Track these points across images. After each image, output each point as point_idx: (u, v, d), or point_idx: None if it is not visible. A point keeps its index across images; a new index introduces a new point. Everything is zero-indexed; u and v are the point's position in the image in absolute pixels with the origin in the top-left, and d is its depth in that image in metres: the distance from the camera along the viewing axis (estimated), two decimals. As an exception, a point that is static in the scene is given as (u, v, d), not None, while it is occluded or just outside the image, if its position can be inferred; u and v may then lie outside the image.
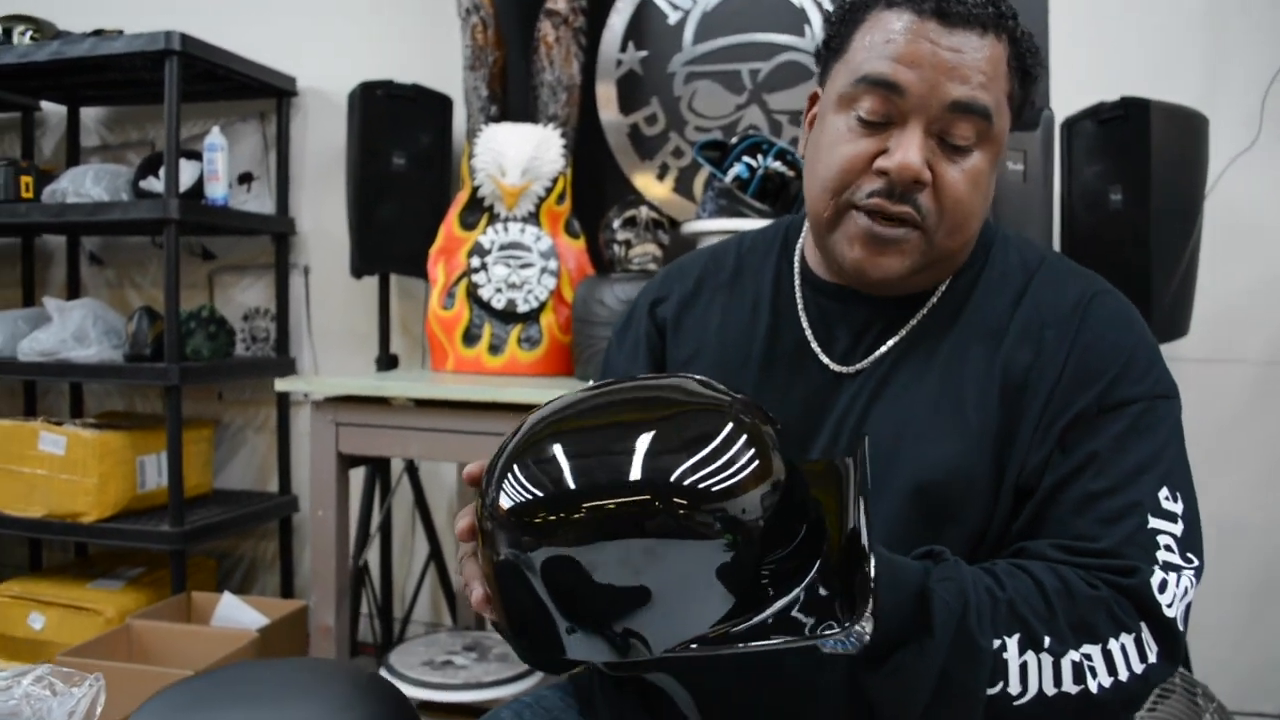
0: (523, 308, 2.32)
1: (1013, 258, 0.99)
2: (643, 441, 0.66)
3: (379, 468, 2.62)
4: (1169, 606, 0.80)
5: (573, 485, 0.65)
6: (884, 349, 0.97)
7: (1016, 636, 0.78)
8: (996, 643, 0.77)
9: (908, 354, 0.96)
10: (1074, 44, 2.21)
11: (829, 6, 2.32)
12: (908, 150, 0.87)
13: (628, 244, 2.28)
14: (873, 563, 0.65)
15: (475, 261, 2.34)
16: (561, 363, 2.32)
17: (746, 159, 2.17)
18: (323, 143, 2.86)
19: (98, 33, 2.51)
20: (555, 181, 2.35)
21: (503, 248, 2.34)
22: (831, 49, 0.96)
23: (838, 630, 0.65)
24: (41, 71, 2.61)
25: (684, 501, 0.64)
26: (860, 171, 0.90)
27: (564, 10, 2.40)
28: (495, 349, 2.32)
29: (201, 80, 2.65)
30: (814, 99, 1.01)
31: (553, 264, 2.33)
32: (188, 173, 2.54)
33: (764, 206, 2.07)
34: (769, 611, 0.67)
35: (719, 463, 0.66)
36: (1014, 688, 0.77)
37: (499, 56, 2.45)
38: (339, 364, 2.89)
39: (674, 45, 2.58)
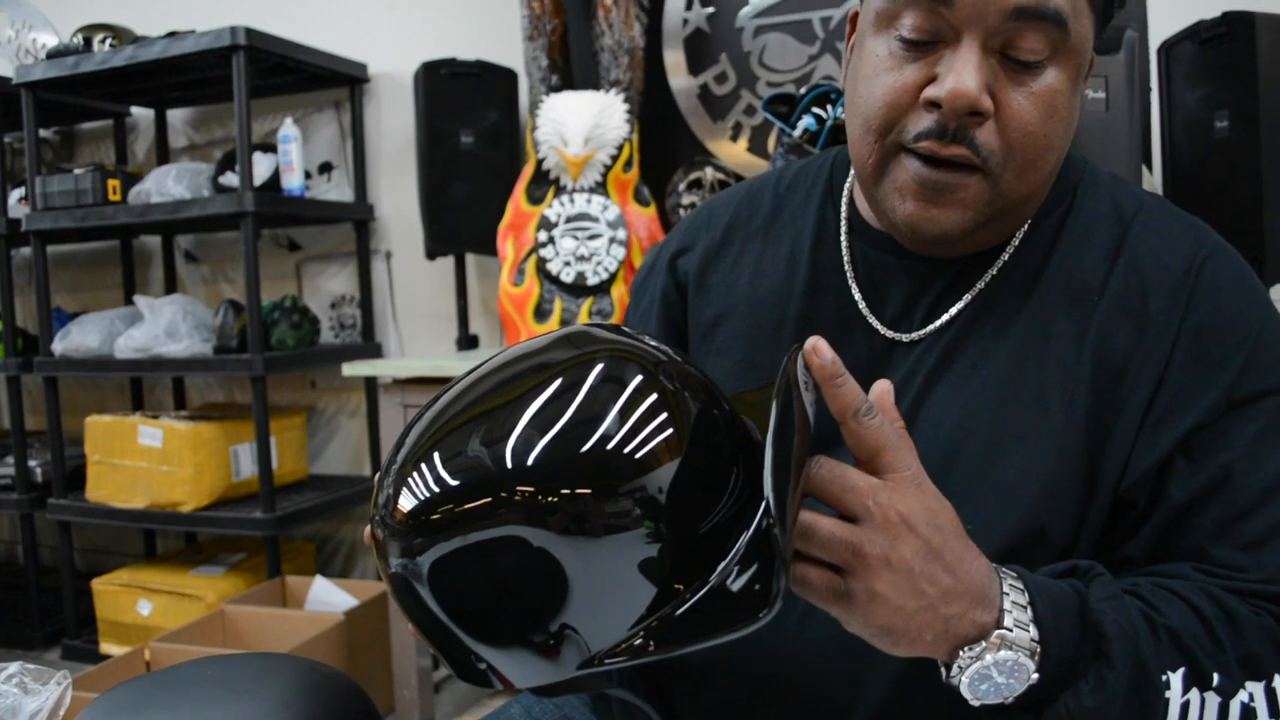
0: (592, 280, 2.27)
1: (1103, 202, 0.82)
2: (533, 421, 0.55)
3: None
4: None
5: (456, 484, 0.55)
6: (947, 316, 0.80)
7: (1181, 672, 0.65)
8: (1162, 677, 0.65)
9: (976, 323, 0.80)
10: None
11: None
12: (961, 73, 0.70)
13: (694, 207, 2.20)
14: (771, 513, 0.53)
15: (543, 236, 2.30)
16: (634, 335, 2.27)
17: (815, 110, 2.06)
18: (396, 127, 2.87)
19: (171, 34, 2.56)
20: (621, 148, 2.29)
21: (569, 220, 2.29)
22: None
23: (747, 621, 0.54)
24: (124, 76, 2.68)
25: (588, 490, 0.54)
26: (907, 107, 0.73)
27: (621, -29, 2.33)
28: (566, 323, 2.28)
29: (274, 74, 2.69)
30: (854, 20, 0.83)
31: (621, 234, 2.27)
32: (263, 166, 2.58)
33: (832, 159, 1.96)
34: (692, 600, 0.55)
35: (621, 436, 0.55)
36: None
37: (557, 24, 2.39)
38: (424, 346, 2.91)
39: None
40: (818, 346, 0.60)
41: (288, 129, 2.58)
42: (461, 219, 2.51)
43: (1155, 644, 0.65)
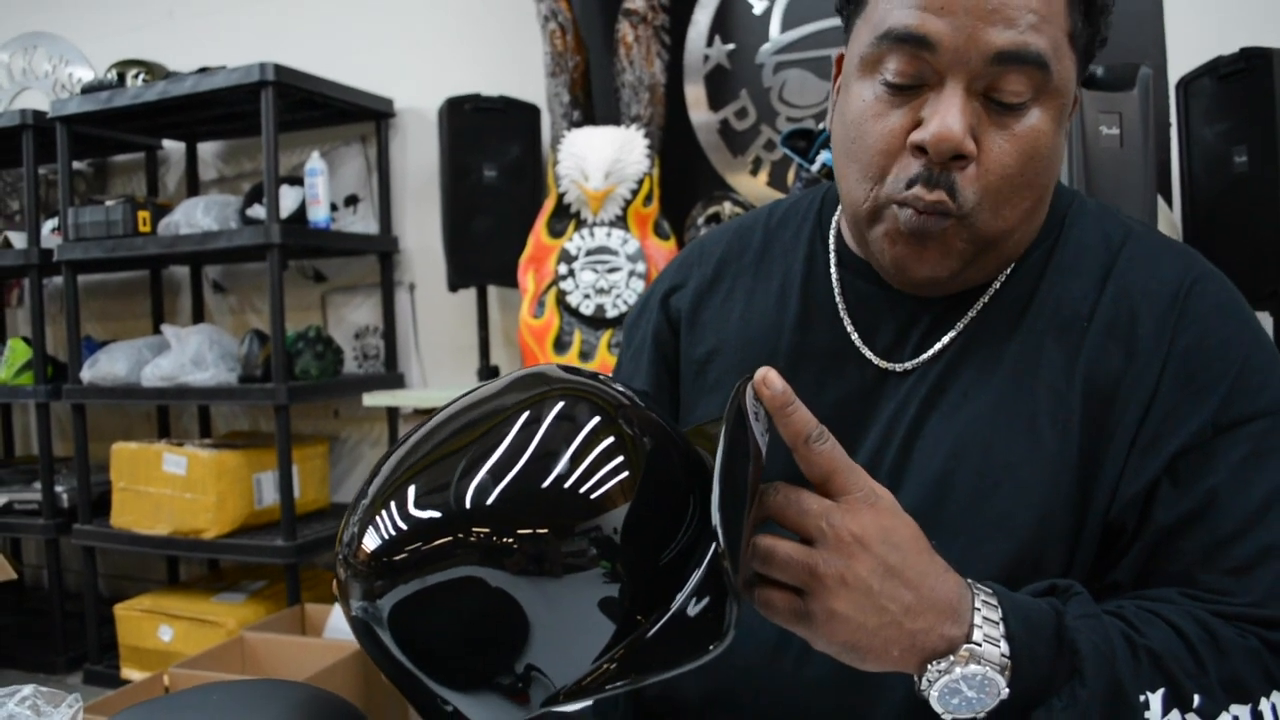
0: (611, 312, 2.29)
1: (1091, 232, 0.82)
2: (488, 463, 0.56)
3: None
4: None
5: (414, 527, 0.55)
6: (938, 346, 0.81)
7: (1161, 693, 0.65)
8: (1140, 698, 0.64)
9: (967, 353, 0.80)
10: (1190, -3, 2.03)
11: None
12: (945, 116, 0.70)
13: (713, 242, 2.22)
14: (720, 544, 0.54)
15: (563, 269, 2.32)
16: (652, 367, 2.28)
17: (833, 146, 2.07)
18: (421, 161, 2.91)
19: (202, 70, 2.62)
20: (641, 183, 2.31)
21: (589, 253, 2.31)
22: (851, 2, 0.79)
23: (701, 651, 0.54)
24: (156, 111, 2.74)
25: (544, 530, 0.54)
26: (896, 152, 0.74)
27: (642, 9, 2.36)
28: (586, 355, 2.30)
29: (302, 108, 2.74)
30: (840, 62, 0.84)
31: (640, 267, 2.29)
32: (290, 198, 2.62)
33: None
34: (651, 632, 0.56)
35: (577, 476, 0.56)
36: None
37: (580, 61, 2.43)
38: (446, 377, 2.93)
39: (761, 36, 2.51)
40: (767, 377, 0.62)
41: (315, 162, 2.63)
42: (483, 252, 2.54)
43: (1134, 664, 0.65)
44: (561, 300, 2.32)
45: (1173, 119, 1.97)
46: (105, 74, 2.83)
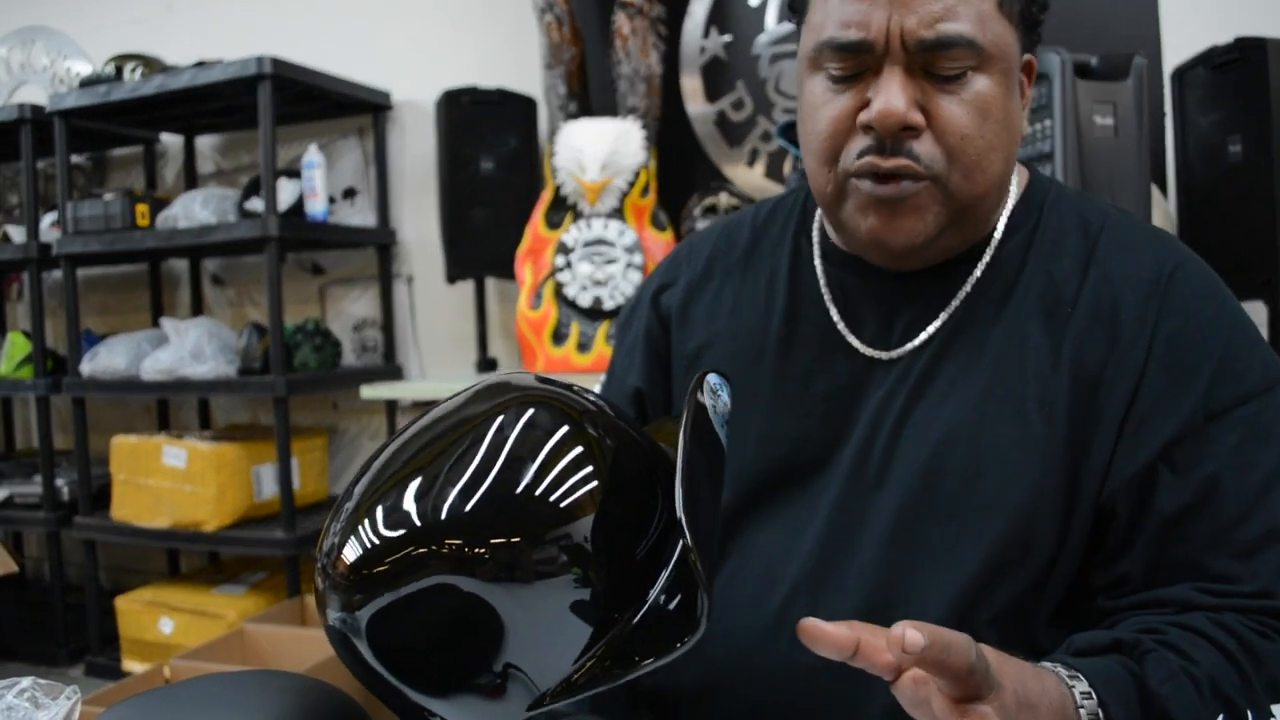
0: (609, 304, 2.30)
1: (1070, 216, 0.84)
2: (455, 475, 0.57)
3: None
4: None
5: (388, 540, 0.56)
6: (926, 334, 0.83)
7: (1220, 718, 0.68)
8: None
9: (954, 339, 0.82)
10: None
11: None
12: (888, 95, 0.74)
13: (710, 233, 2.23)
14: (686, 539, 0.55)
15: (560, 260, 2.33)
16: (649, 358, 2.28)
17: (829, 137, 2.08)
18: (418, 153, 2.91)
19: (200, 64, 2.62)
20: (637, 174, 2.32)
21: (586, 245, 2.32)
22: (795, 9, 0.84)
23: (678, 645, 0.55)
24: (154, 104, 2.75)
25: (518, 539, 0.55)
26: (846, 133, 0.77)
27: (638, 0, 2.36)
28: (583, 347, 2.31)
29: (300, 101, 2.74)
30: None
31: (637, 258, 2.30)
32: (288, 191, 2.62)
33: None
34: (630, 629, 0.57)
35: (547, 484, 0.57)
36: None
37: (576, 53, 2.43)
38: (444, 369, 2.94)
39: (757, 27, 2.51)
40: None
41: (312, 155, 2.63)
42: (481, 243, 2.55)
43: (1202, 703, 0.67)
44: (559, 292, 2.33)
45: (1167, 108, 1.97)
46: (103, 68, 2.83)
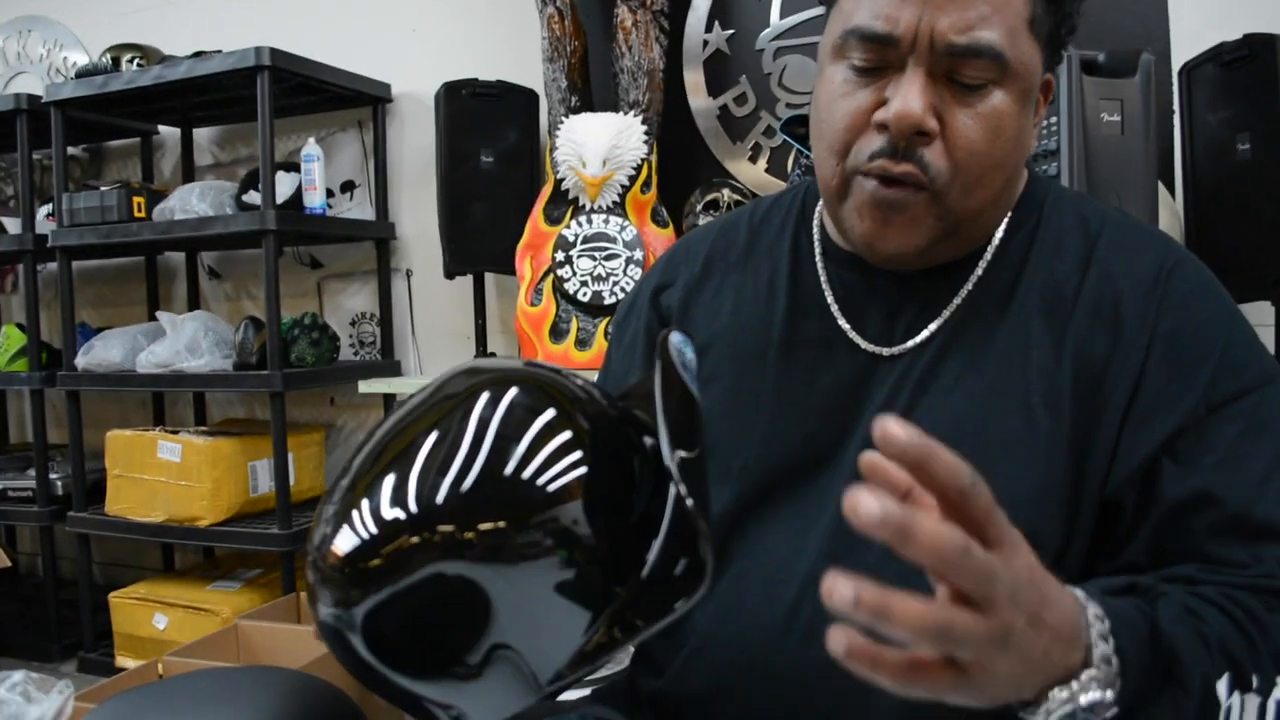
0: (609, 300, 2.28)
1: (1070, 215, 0.86)
2: (436, 462, 0.57)
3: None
4: None
5: (375, 534, 0.55)
6: (929, 330, 0.84)
7: (1226, 677, 0.66)
8: (1217, 688, 0.66)
9: (957, 337, 0.83)
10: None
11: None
12: (906, 97, 0.74)
13: (712, 229, 2.21)
14: (680, 488, 0.55)
15: (560, 256, 2.31)
16: (650, 355, 2.27)
17: (832, 132, 2.06)
18: (418, 146, 2.88)
19: (197, 55, 2.60)
20: (639, 169, 2.30)
21: (587, 240, 2.30)
22: None
23: (689, 596, 0.56)
24: (151, 95, 2.72)
25: (506, 523, 0.55)
26: (861, 129, 0.78)
27: (641, -7, 2.34)
28: (583, 343, 2.29)
29: (298, 93, 2.72)
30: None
31: (638, 254, 2.28)
32: (286, 184, 2.60)
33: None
34: (635, 593, 0.58)
35: (532, 468, 0.57)
36: None
37: (578, 46, 2.41)
38: (442, 364, 2.91)
39: (761, 21, 2.49)
40: (887, 429, 0.51)
41: (310, 148, 2.61)
42: (481, 238, 2.52)
43: (1210, 658, 0.66)
44: (559, 287, 2.31)
45: (1175, 106, 1.96)
46: (100, 58, 2.80)
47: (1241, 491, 0.74)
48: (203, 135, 3.21)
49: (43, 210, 3.01)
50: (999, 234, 0.85)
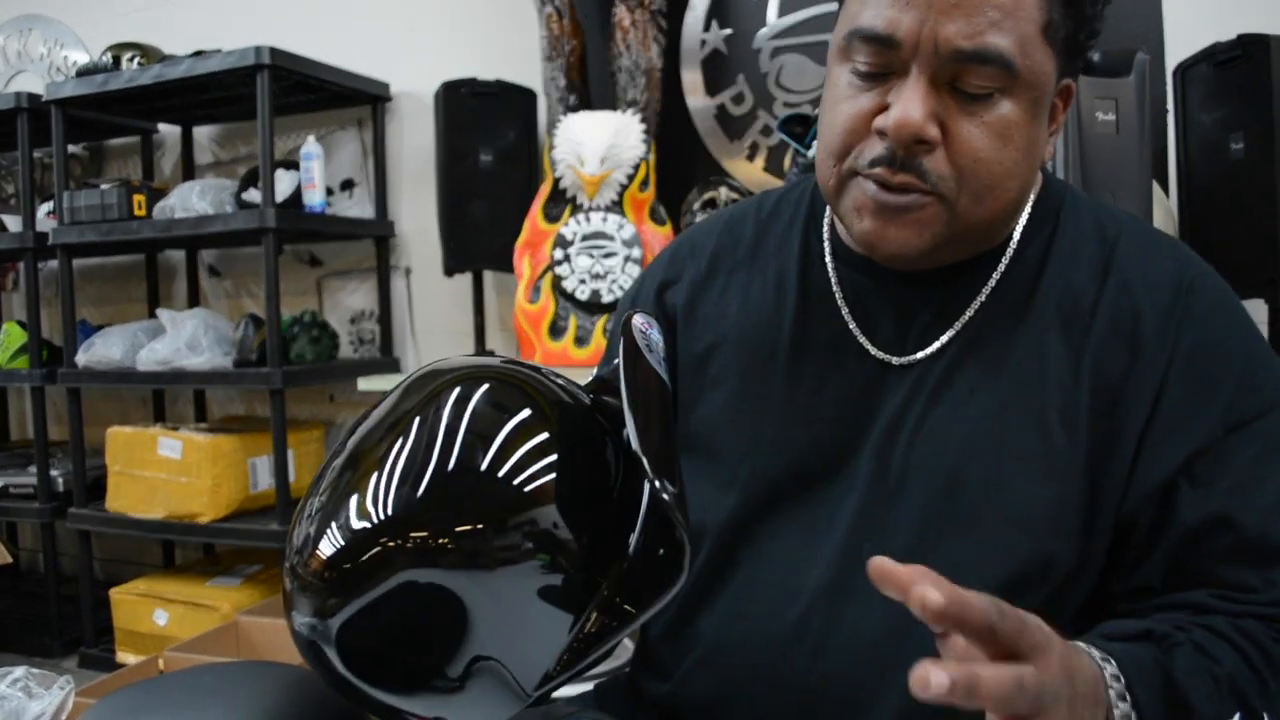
0: (607, 298, 2.29)
1: (1086, 223, 0.83)
2: (409, 468, 0.56)
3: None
4: None
5: (348, 544, 0.54)
6: (943, 339, 0.81)
7: (1236, 717, 0.69)
8: None
9: (973, 347, 0.80)
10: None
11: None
12: (907, 104, 0.72)
13: (709, 227, 2.22)
14: (649, 472, 0.55)
15: (558, 254, 2.32)
16: (648, 352, 2.28)
17: (829, 132, 2.07)
18: (417, 145, 2.89)
19: (198, 53, 2.61)
20: (637, 168, 2.31)
21: (585, 238, 2.31)
22: None
23: (670, 585, 0.56)
24: (151, 94, 2.73)
25: (482, 525, 0.54)
26: (862, 133, 0.75)
27: (639, -7, 2.35)
28: (581, 341, 2.30)
29: (298, 92, 2.73)
30: None
31: (636, 252, 2.29)
32: (286, 182, 2.61)
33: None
34: (617, 589, 0.57)
35: (510, 466, 0.57)
36: None
37: (576, 45, 2.42)
38: (441, 363, 2.92)
39: (758, 21, 2.50)
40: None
41: (310, 146, 2.62)
42: (479, 236, 2.53)
43: (1219, 699, 0.68)
44: (557, 285, 2.32)
45: (1169, 105, 1.97)
46: (100, 57, 2.81)
47: (1257, 515, 0.73)
48: (203, 134, 3.22)
49: (43, 208, 3.02)
50: (1015, 239, 0.83)
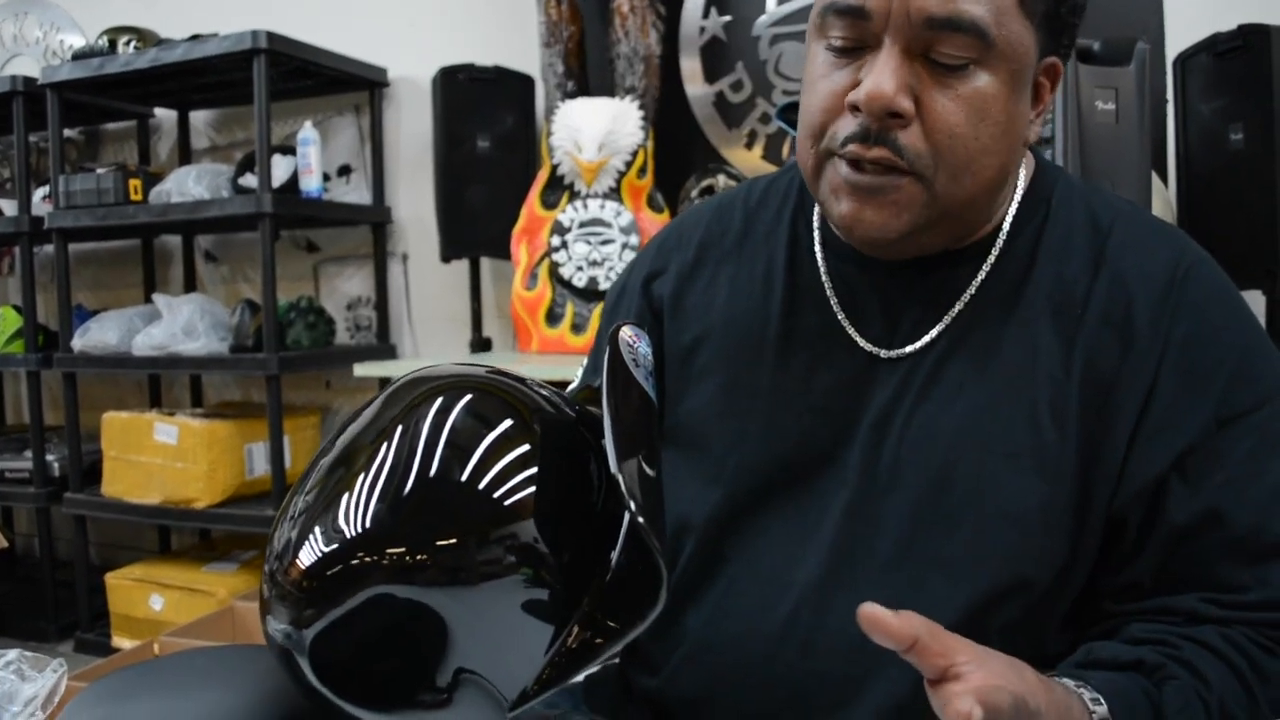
0: (604, 285, 2.29)
1: (1079, 211, 0.81)
2: (388, 483, 0.55)
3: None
4: None
5: (323, 556, 0.53)
6: (933, 332, 0.79)
7: None
8: None
9: (963, 339, 0.79)
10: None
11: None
12: (879, 76, 0.70)
13: (707, 215, 2.21)
14: (624, 493, 0.54)
15: (556, 240, 2.31)
16: (644, 340, 2.27)
17: (828, 120, 2.06)
18: (415, 130, 2.88)
19: (194, 37, 2.60)
20: (635, 155, 2.30)
21: (582, 225, 2.30)
22: None
23: (649, 609, 0.55)
24: (147, 78, 2.72)
25: (460, 540, 0.54)
26: (837, 111, 0.73)
27: (638, -21, 2.34)
28: (578, 328, 2.30)
29: (295, 77, 2.72)
30: None
31: (634, 239, 2.28)
32: (282, 168, 2.60)
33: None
34: (596, 612, 0.56)
35: (488, 480, 0.56)
36: None
37: (574, 31, 2.41)
38: (438, 349, 2.92)
39: (757, 8, 2.49)
40: (876, 617, 0.56)
41: (307, 132, 2.61)
42: (477, 223, 2.53)
43: None
44: (554, 272, 2.31)
45: (1169, 95, 1.96)
46: (96, 41, 2.80)
47: (1251, 510, 0.72)
48: (199, 118, 3.20)
49: (39, 192, 3.01)
50: (1005, 228, 0.81)
